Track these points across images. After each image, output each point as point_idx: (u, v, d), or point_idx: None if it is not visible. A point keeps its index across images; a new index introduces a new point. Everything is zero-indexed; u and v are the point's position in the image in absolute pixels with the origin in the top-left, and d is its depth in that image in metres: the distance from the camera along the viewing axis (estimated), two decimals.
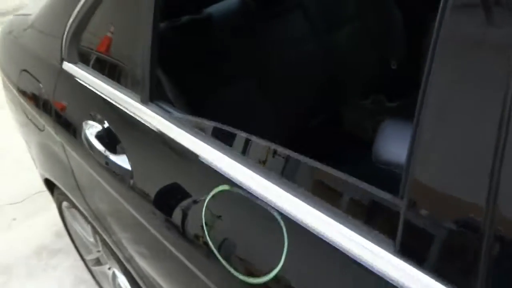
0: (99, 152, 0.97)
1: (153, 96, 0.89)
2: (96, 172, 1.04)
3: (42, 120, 1.27)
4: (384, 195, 0.50)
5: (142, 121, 0.89)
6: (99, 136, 0.97)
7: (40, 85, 1.25)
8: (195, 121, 0.79)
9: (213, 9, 1.40)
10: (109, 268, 1.55)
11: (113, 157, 0.94)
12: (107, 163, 0.97)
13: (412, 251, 0.46)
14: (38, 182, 1.68)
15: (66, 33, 1.14)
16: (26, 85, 1.35)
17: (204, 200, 0.72)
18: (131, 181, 0.92)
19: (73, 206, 1.37)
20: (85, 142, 1.03)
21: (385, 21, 1.64)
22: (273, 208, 0.62)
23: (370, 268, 0.49)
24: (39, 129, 1.33)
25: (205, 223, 0.73)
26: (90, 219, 1.23)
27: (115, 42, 1.02)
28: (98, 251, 1.57)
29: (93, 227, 1.31)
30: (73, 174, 1.19)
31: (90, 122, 1.03)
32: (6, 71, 1.48)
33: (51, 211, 1.91)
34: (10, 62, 1.46)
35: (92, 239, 1.50)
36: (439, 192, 0.44)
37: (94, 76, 1.06)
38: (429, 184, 0.44)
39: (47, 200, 1.78)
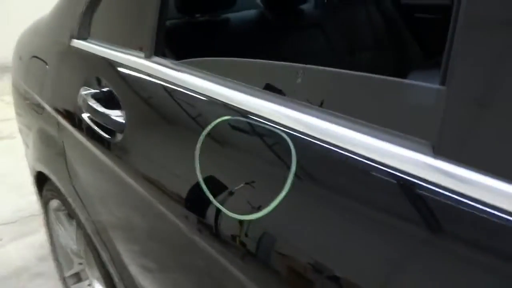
0: (100, 114, 0.88)
1: (158, 51, 0.84)
2: (90, 142, 0.95)
3: (42, 101, 1.22)
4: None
5: (145, 75, 0.82)
6: (99, 100, 0.90)
7: (47, 66, 1.21)
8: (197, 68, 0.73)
9: (231, 15, 1.41)
10: (88, 285, 1.40)
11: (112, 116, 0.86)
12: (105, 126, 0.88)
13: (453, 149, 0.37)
14: (34, 206, 1.62)
15: (77, 13, 1.13)
16: (33, 70, 1.32)
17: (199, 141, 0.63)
18: (130, 144, 0.83)
19: (60, 198, 1.26)
20: (82, 109, 0.96)
21: (401, 50, 1.63)
22: (279, 128, 0.53)
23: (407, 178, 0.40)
24: (37, 113, 1.27)
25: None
26: (77, 210, 1.11)
27: (124, 9, 1.00)
28: (80, 264, 1.43)
29: (78, 223, 1.19)
30: (64, 155, 1.10)
31: (91, 88, 0.96)
32: (15, 69, 1.48)
33: (40, 234, 1.86)
34: (21, 61, 1.46)
35: (75, 246, 1.36)
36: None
37: (101, 45, 1.03)
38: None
39: (39, 223, 1.73)
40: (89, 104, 0.90)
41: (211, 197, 0.59)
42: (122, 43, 0.96)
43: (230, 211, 0.57)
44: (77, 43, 1.13)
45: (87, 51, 1.07)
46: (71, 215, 1.29)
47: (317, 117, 0.51)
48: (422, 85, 0.45)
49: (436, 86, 0.41)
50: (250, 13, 1.48)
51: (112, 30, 1.06)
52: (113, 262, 0.98)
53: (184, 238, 0.67)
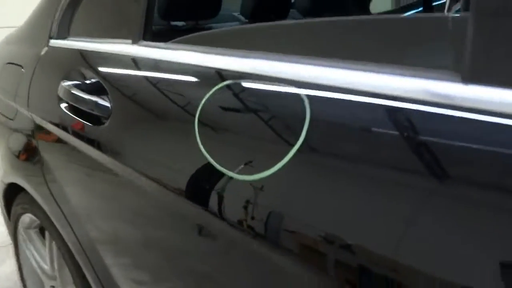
0: (86, 101, 0.83)
1: (146, 36, 0.82)
2: (71, 136, 0.89)
3: (16, 105, 1.15)
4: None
5: (134, 59, 0.79)
6: (83, 89, 0.85)
7: (22, 70, 1.16)
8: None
9: (214, 25, 1.42)
10: None
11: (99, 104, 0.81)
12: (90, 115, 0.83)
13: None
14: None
15: (56, 14, 1.11)
16: (7, 77, 1.26)
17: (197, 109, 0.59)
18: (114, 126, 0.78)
19: (33, 211, 1.16)
20: (64, 99, 0.91)
21: None
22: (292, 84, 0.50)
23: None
24: (10, 119, 1.20)
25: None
26: (53, 219, 1.03)
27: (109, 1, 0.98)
28: (52, 287, 1.30)
29: (53, 238, 1.09)
30: (40, 158, 1.03)
31: (73, 80, 0.91)
32: None
33: (6, 265, 1.77)
34: None
35: (47, 266, 1.25)
36: None
37: (82, 41, 0.99)
38: None
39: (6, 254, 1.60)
40: (72, 93, 0.85)
41: (217, 166, 0.55)
42: (106, 34, 0.93)
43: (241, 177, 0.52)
44: (56, 42, 1.09)
45: (67, 48, 1.03)
46: (44, 230, 1.19)
47: (327, 66, 0.49)
48: (429, 16, 0.44)
49: (441, 14, 0.40)
50: (232, 26, 1.49)
51: (95, 24, 1.03)
52: (99, 278, 0.89)
53: (188, 234, 0.62)
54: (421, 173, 0.37)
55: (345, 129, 0.45)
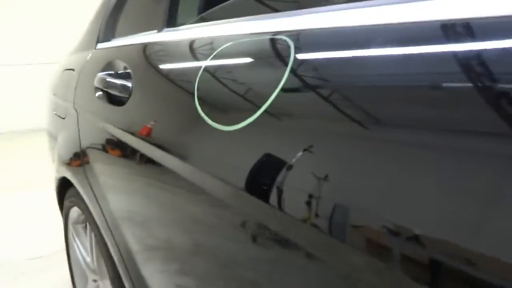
0: (114, 84, 0.89)
1: (169, 24, 0.87)
2: (105, 123, 0.95)
3: (66, 104, 1.26)
4: None
5: (159, 46, 0.84)
6: (115, 77, 0.91)
7: (73, 72, 1.27)
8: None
9: None
10: None
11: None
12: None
13: None
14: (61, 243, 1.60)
15: (102, 19, 1.21)
16: (62, 80, 1.39)
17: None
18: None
19: (78, 205, 1.24)
20: (99, 87, 0.98)
21: None
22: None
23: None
24: (62, 118, 1.31)
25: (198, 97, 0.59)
26: (93, 211, 1.08)
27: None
28: (94, 281, 1.36)
29: (92, 226, 1.15)
30: (81, 150, 1.11)
31: (108, 71, 0.98)
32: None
33: (62, 271, 1.79)
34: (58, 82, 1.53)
35: (89, 259, 1.31)
36: None
37: (122, 39, 1.07)
38: None
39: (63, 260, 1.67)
40: (105, 80, 0.92)
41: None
42: (140, 29, 1.00)
43: None
44: (102, 45, 1.19)
45: (108, 48, 1.12)
46: (88, 223, 1.26)
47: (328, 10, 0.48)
48: None
49: None
50: None
51: (133, 23, 1.11)
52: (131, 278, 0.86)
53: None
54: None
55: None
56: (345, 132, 0.36)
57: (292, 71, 0.45)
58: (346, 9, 0.45)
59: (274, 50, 0.51)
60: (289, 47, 0.48)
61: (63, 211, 1.45)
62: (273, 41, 0.52)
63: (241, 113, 0.50)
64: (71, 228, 1.44)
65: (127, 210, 0.86)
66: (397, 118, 0.33)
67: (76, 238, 1.42)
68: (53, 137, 1.47)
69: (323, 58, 0.44)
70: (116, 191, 0.92)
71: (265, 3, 0.64)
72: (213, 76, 0.60)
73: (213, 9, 0.75)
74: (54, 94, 1.47)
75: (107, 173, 0.96)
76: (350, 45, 0.41)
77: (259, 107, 0.46)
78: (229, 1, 0.72)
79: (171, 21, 0.88)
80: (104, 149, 0.98)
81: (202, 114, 0.56)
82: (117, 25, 1.19)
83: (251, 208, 0.45)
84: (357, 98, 0.37)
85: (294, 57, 0.46)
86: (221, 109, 0.55)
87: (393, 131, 0.32)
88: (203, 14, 0.78)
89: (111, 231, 0.94)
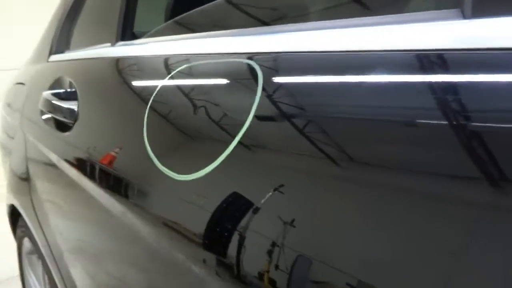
0: (59, 108, 0.77)
1: (125, 37, 0.76)
2: (51, 152, 0.83)
3: (14, 123, 1.13)
4: None
5: (109, 60, 0.73)
6: (62, 98, 0.79)
7: (23, 87, 1.14)
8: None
9: None
10: None
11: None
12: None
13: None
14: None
15: (56, 29, 1.09)
16: (12, 97, 1.25)
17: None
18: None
19: (28, 234, 1.10)
20: (44, 111, 0.86)
21: None
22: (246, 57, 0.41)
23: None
24: (11, 137, 1.17)
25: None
26: (39, 243, 0.96)
27: (96, 10, 0.93)
28: None
29: (41, 259, 1.02)
30: (28, 175, 0.98)
31: (55, 90, 0.86)
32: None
33: None
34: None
35: None
36: None
37: (75, 51, 0.95)
38: None
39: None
40: (51, 102, 0.79)
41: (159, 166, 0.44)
42: (94, 41, 0.88)
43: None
44: (54, 57, 1.06)
45: (60, 61, 0.99)
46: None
47: (301, 29, 0.38)
48: None
49: None
50: None
51: (87, 34, 0.99)
52: None
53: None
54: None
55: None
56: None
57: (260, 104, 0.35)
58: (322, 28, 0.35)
59: (239, 77, 0.41)
60: (256, 75, 0.38)
61: (17, 240, 1.31)
62: (237, 66, 0.42)
63: (196, 161, 0.39)
64: (26, 259, 1.30)
65: (73, 244, 0.75)
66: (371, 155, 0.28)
67: (30, 269, 1.28)
68: (6, 152, 1.32)
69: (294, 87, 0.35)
70: (62, 224, 0.81)
71: (238, 13, 0.54)
72: (165, 107, 0.49)
73: (185, 14, 0.64)
74: (6, 108, 1.32)
75: (54, 207, 0.84)
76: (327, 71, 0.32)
77: (219, 154, 0.36)
78: (199, 8, 0.61)
79: (126, 33, 0.76)
80: (50, 179, 0.86)
81: (152, 156, 0.46)
82: (72, 35, 1.07)
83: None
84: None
85: (263, 87, 0.36)
86: (173, 153, 0.45)
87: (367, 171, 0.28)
88: (177, 18, 0.66)
89: (56, 263, 0.83)
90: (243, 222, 0.33)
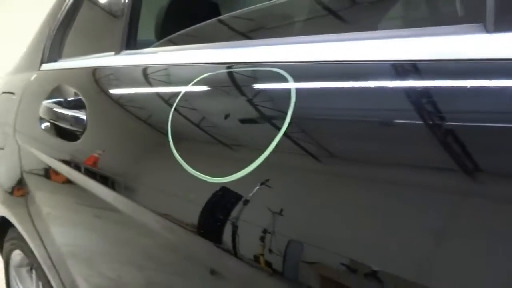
0: (66, 117, 0.77)
1: (129, 46, 0.77)
2: (52, 158, 0.82)
3: (5, 133, 1.10)
4: None
5: (114, 69, 0.73)
6: (65, 106, 0.79)
7: (13, 96, 1.12)
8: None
9: None
10: None
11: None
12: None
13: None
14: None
15: (47, 38, 1.08)
16: (1, 106, 1.22)
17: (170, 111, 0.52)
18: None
19: (21, 245, 1.08)
20: (46, 118, 0.85)
21: None
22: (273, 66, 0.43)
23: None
24: (0, 148, 1.14)
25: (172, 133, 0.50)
26: (38, 256, 0.94)
27: (95, 19, 0.93)
28: None
29: (38, 273, 1.00)
30: (24, 185, 0.96)
31: (56, 98, 0.86)
32: None
33: None
34: None
35: None
36: None
37: (71, 60, 0.95)
38: None
39: None
40: (54, 110, 0.79)
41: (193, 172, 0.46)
42: (92, 50, 0.89)
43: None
44: (47, 66, 1.05)
45: (55, 70, 0.99)
46: (32, 268, 1.10)
47: (321, 41, 0.41)
48: None
49: None
50: None
51: (84, 43, 0.99)
52: None
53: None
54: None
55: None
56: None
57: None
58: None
59: (270, 84, 0.44)
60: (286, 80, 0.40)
61: (3, 254, 1.27)
62: (265, 74, 0.44)
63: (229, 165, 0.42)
64: (14, 272, 1.26)
65: (80, 251, 0.75)
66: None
67: (18, 282, 1.24)
68: None
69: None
70: (68, 234, 0.80)
71: (236, 29, 0.57)
72: (191, 113, 0.51)
73: (182, 31, 0.67)
74: None
75: (58, 218, 0.83)
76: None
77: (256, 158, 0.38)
78: (199, 24, 0.64)
79: (130, 42, 0.78)
80: (54, 188, 0.85)
81: (181, 161, 0.47)
82: (65, 44, 1.06)
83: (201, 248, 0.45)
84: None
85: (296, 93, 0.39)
86: (204, 157, 0.47)
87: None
88: (170, 37, 0.68)
89: (58, 273, 0.83)
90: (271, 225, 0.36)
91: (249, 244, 0.38)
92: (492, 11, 0.30)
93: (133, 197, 0.57)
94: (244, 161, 0.40)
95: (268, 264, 0.36)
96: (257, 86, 0.46)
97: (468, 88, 0.30)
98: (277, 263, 0.35)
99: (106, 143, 0.68)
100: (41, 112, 0.85)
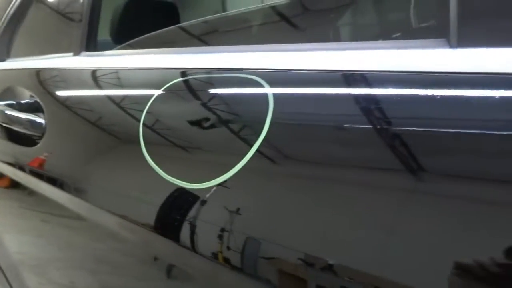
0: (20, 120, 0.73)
1: (89, 47, 0.74)
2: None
3: None
4: None
5: (74, 71, 0.71)
6: (16, 109, 0.75)
7: None
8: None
9: None
10: None
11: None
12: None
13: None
14: None
15: None
16: None
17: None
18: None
19: None
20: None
21: None
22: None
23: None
24: None
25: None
26: None
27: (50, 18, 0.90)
28: None
29: None
30: None
31: (5, 100, 0.81)
32: None
33: None
34: None
35: None
36: None
37: (21, 60, 0.90)
38: None
39: None
40: (5, 113, 0.75)
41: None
42: (46, 50, 0.85)
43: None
44: None
45: (4, 70, 0.93)
46: None
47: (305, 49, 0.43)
48: None
49: None
50: None
51: (37, 42, 0.94)
52: None
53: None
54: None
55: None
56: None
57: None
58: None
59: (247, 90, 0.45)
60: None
61: None
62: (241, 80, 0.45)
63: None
64: None
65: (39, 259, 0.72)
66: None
67: None
68: None
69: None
70: (28, 242, 0.76)
71: (197, 36, 0.58)
72: (161, 117, 0.51)
73: (143, 36, 0.66)
74: None
75: (10, 226, 0.79)
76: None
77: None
78: (164, 29, 0.64)
79: (90, 44, 0.75)
80: (4, 195, 0.81)
81: (155, 166, 0.47)
82: (13, 43, 1.00)
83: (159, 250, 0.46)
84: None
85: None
86: (179, 163, 0.47)
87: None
88: (130, 42, 0.67)
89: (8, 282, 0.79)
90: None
91: (202, 241, 0.40)
92: (455, 27, 0.33)
93: (88, 198, 0.56)
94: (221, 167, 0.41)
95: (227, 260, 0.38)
96: (216, 91, 0.47)
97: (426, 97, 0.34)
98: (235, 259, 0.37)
99: (66, 146, 0.65)
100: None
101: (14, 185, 0.75)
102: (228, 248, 0.37)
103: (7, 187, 0.79)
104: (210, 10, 1.85)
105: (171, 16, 1.18)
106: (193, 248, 0.41)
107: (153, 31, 0.81)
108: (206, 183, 0.41)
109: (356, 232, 0.31)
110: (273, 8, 0.51)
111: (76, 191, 0.59)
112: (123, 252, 0.54)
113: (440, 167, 0.30)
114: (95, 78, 0.66)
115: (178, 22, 1.12)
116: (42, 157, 0.65)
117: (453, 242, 0.27)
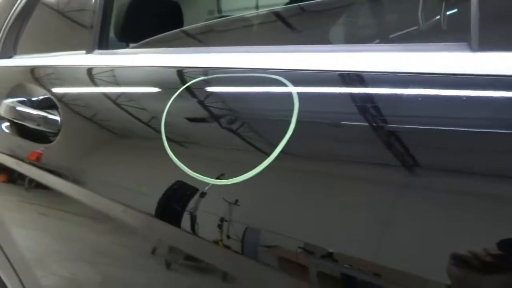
0: (33, 116, 0.74)
1: (101, 45, 0.75)
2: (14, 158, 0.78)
3: None
4: None
5: (86, 69, 0.72)
6: (29, 105, 0.76)
7: None
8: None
9: None
10: None
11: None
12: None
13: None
14: None
15: (1, 32, 1.02)
16: None
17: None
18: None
19: None
20: (7, 117, 0.81)
21: None
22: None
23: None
24: None
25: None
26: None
27: (61, 15, 0.90)
28: None
29: None
30: None
31: (17, 97, 0.82)
32: None
33: None
34: None
35: None
36: None
37: (30, 57, 0.91)
38: None
39: None
40: (17, 110, 0.75)
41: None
42: (58, 48, 0.85)
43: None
44: (0, 62, 0.99)
45: (12, 66, 0.93)
46: None
47: (319, 50, 0.45)
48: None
49: None
50: None
51: (46, 39, 0.94)
52: None
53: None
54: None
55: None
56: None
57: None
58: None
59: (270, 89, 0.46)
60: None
61: None
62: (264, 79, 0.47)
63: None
64: None
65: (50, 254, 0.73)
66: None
67: None
68: None
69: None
70: (38, 238, 0.77)
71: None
72: (184, 115, 0.52)
73: (158, 36, 0.67)
74: None
75: (24, 222, 0.80)
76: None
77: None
78: (182, 28, 0.65)
79: (103, 41, 0.76)
80: (17, 191, 0.81)
81: (179, 163, 0.48)
82: (20, 40, 1.01)
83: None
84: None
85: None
86: (203, 159, 0.48)
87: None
88: (144, 41, 0.68)
89: (19, 277, 0.80)
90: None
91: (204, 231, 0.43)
92: (476, 31, 0.35)
93: (108, 194, 0.57)
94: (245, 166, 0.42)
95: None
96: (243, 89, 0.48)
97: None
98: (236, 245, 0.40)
99: (82, 142, 0.66)
100: (3, 111, 0.81)
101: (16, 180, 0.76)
102: (257, 246, 0.39)
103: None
104: (205, 9, 1.84)
105: (175, 15, 1.19)
106: (216, 243, 0.42)
107: (157, 29, 0.83)
108: (232, 179, 0.43)
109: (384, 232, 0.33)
110: (301, 8, 0.52)
111: (93, 187, 0.60)
112: (124, 244, 0.57)
113: (467, 168, 0.32)
114: (113, 76, 0.67)
115: (182, 21, 1.13)
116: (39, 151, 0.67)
117: (446, 234, 0.30)
